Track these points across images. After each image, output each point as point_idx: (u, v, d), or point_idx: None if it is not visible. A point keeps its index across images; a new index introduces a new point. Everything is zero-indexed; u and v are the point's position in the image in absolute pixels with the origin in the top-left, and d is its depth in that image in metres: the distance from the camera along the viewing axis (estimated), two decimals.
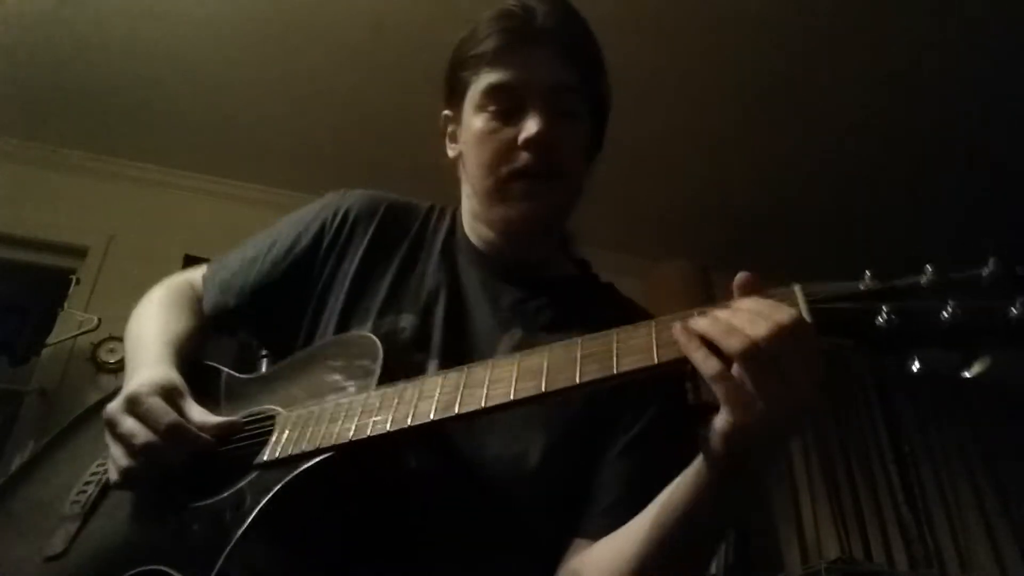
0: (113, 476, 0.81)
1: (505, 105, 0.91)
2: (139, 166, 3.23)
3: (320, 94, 2.87)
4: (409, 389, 0.76)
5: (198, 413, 0.83)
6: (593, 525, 0.81)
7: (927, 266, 0.56)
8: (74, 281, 2.90)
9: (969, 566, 3.15)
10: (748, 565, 2.57)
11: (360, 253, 0.99)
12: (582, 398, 0.86)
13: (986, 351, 0.54)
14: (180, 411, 0.82)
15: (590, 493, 0.84)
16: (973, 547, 3.21)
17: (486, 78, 0.92)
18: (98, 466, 0.89)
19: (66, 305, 2.82)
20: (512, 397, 0.69)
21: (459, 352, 0.88)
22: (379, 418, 0.74)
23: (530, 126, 0.89)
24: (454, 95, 0.99)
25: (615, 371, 0.65)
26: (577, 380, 0.66)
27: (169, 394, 0.83)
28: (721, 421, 0.60)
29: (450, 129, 1.03)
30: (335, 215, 1.03)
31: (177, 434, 0.79)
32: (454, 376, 0.74)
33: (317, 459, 0.74)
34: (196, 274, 1.09)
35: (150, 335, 0.96)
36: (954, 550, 3.18)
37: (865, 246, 3.38)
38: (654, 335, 0.65)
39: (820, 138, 2.97)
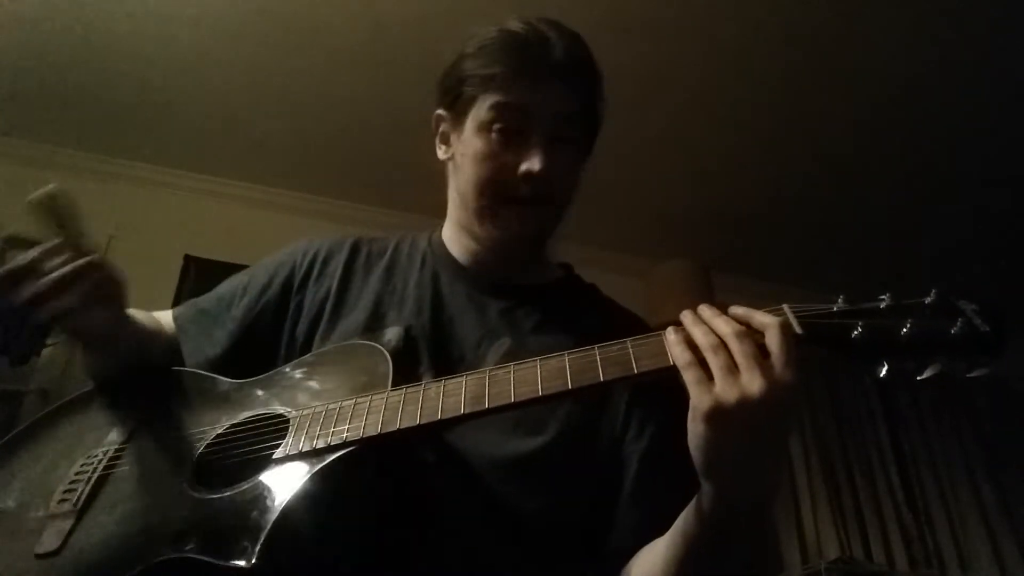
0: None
1: (509, 126, 0.93)
2: (139, 166, 3.22)
3: (320, 94, 2.87)
4: (432, 388, 0.78)
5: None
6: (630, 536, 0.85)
7: (887, 294, 0.69)
8: None
9: (969, 566, 3.15)
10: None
11: (336, 282, 1.02)
12: (583, 409, 0.89)
13: (935, 359, 0.67)
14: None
15: (619, 507, 0.87)
16: (973, 547, 3.21)
17: (494, 96, 0.94)
18: (83, 465, 0.89)
19: None
20: (540, 393, 0.73)
21: (448, 362, 0.90)
22: (407, 412, 0.76)
23: (533, 161, 0.91)
24: (456, 103, 0.99)
25: (635, 371, 0.71)
26: (601, 378, 0.72)
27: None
28: (693, 404, 0.65)
29: (443, 129, 1.04)
30: (304, 255, 1.07)
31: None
32: (476, 376, 0.77)
33: (346, 450, 0.75)
34: (162, 313, 1.11)
35: None
36: (954, 550, 3.18)
37: (865, 246, 3.39)
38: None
39: (820, 138, 2.96)
